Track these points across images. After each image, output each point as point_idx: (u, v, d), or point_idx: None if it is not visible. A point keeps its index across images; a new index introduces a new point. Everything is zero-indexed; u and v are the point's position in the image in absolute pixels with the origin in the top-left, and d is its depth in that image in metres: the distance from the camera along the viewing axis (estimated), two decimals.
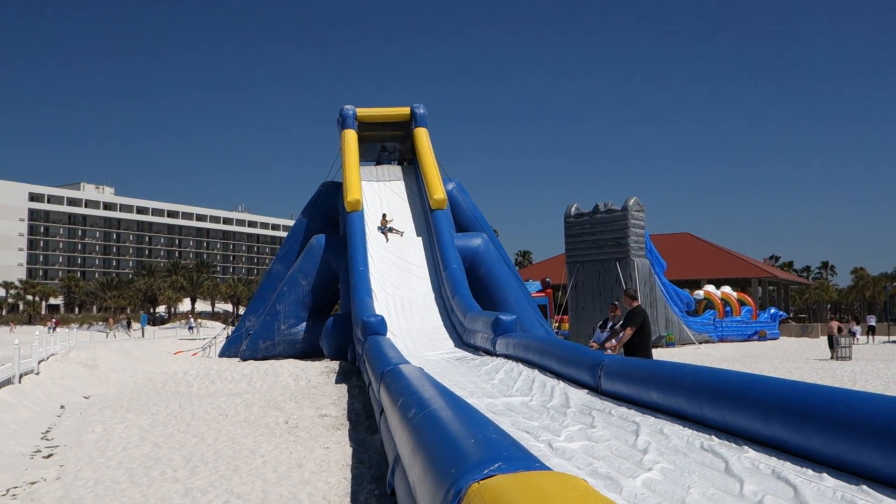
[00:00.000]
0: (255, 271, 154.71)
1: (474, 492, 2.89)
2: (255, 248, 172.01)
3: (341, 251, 22.51)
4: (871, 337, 41.54)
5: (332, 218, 25.51)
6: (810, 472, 5.21)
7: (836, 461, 5.27)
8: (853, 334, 31.10)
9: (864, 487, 4.71)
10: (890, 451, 4.78)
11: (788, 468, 5.34)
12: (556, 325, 36.78)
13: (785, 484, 4.97)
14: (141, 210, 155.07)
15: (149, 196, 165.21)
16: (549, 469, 3.17)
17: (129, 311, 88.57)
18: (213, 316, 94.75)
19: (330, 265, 23.01)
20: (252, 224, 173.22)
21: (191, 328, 59.52)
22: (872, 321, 44.80)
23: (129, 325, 63.23)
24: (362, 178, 24.67)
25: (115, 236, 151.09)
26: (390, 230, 23.27)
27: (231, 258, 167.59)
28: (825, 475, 5.07)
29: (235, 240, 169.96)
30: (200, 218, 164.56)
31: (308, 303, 23.17)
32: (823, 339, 33.51)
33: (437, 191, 23.22)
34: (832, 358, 25.13)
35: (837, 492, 4.69)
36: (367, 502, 6.48)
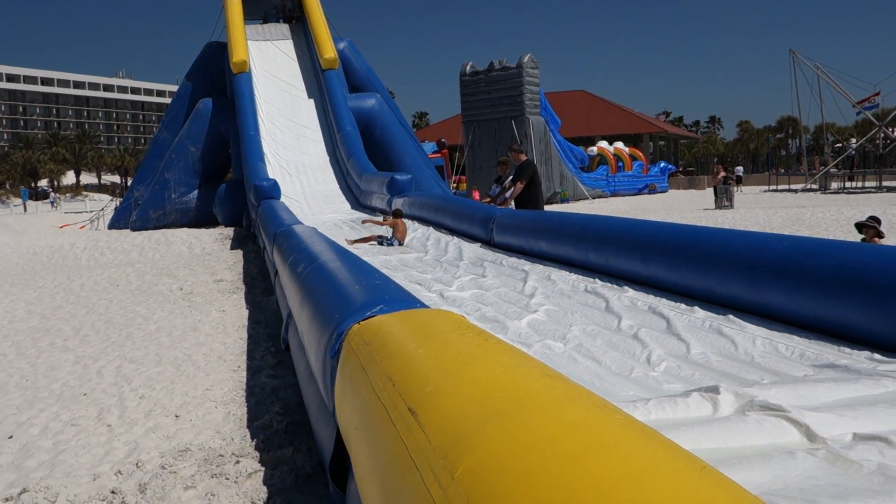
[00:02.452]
0: (143, 140, 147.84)
1: (354, 332, 2.94)
2: (141, 117, 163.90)
3: (230, 115, 21.70)
4: (738, 186, 43.48)
5: (219, 81, 24.39)
6: (683, 306, 5.53)
7: (706, 295, 5.60)
8: (740, 180, 32.61)
9: (731, 316, 5.04)
10: (754, 282, 5.10)
11: (664, 304, 5.65)
12: (454, 185, 37.03)
13: (659, 317, 5.27)
14: (11, 78, 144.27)
15: (20, 63, 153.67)
16: (428, 307, 3.25)
17: (7, 186, 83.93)
18: (101, 188, 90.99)
19: (219, 130, 22.23)
20: (135, 91, 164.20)
21: (52, 203, 56.26)
22: (740, 172, 46.79)
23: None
24: (248, 37, 23.50)
25: None
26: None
27: (115, 127, 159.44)
28: (696, 308, 5.40)
29: (119, 108, 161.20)
30: (78, 85, 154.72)
31: (199, 170, 22.48)
32: (710, 191, 34.93)
33: (328, 50, 22.43)
34: (716, 207, 26.36)
35: (706, 321, 5.01)
36: (262, 359, 6.54)
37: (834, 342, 4.36)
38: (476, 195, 31.38)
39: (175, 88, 33.09)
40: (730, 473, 2.20)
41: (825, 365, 3.98)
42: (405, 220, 12.86)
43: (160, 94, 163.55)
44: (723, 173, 28.37)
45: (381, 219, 13.04)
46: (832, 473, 2.30)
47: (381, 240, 11.11)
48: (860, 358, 4.06)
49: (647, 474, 1.24)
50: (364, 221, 13.08)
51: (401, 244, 10.92)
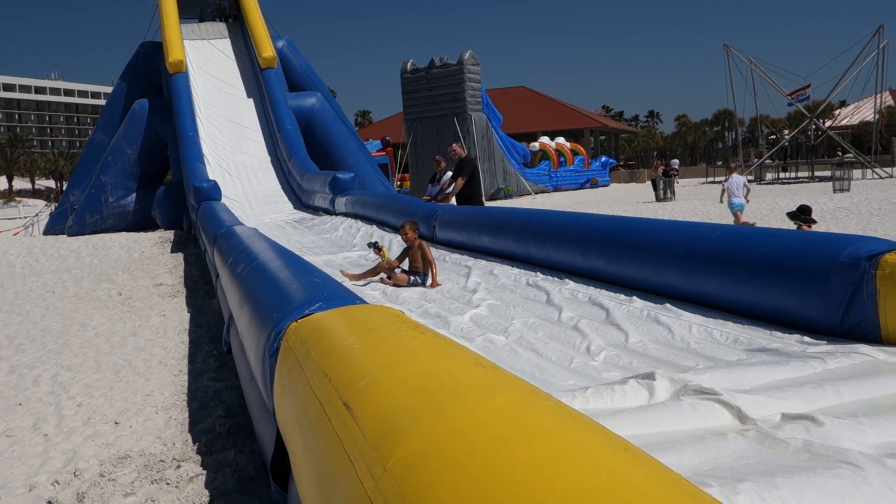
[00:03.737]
0: (78, 144, 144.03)
1: (293, 330, 2.92)
2: (76, 119, 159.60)
3: (168, 116, 21.26)
4: (675, 179, 44.22)
5: (155, 81, 23.87)
6: (622, 296, 5.63)
7: (645, 285, 5.71)
8: (675, 171, 33.27)
9: (668, 305, 5.15)
10: (689, 271, 5.22)
11: (604, 294, 5.74)
12: (398, 183, 36.96)
13: (599, 308, 5.35)
14: None
15: None
16: (367, 303, 3.25)
17: None
18: (34, 193, 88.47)
19: (156, 132, 21.78)
20: (69, 92, 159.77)
21: None
22: (676, 164, 47.70)
23: None
24: (184, 36, 23.07)
25: None
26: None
27: (49, 131, 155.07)
28: (635, 298, 5.49)
29: (51, 110, 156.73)
30: (8, 87, 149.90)
31: (136, 172, 21.98)
32: (650, 184, 35.50)
33: (266, 48, 22.15)
34: (657, 200, 26.84)
35: (644, 311, 5.10)
36: (204, 362, 6.46)
37: (766, 327, 4.49)
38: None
39: (110, 90, 32.29)
40: (663, 456, 2.26)
41: (757, 349, 4.09)
42: (347, 218, 12.59)
43: (95, 95, 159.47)
44: (661, 167, 28.98)
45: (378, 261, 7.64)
46: (761, 452, 2.37)
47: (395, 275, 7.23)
48: (791, 341, 4.18)
49: (572, 456, 1.27)
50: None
51: (422, 279, 7.06)
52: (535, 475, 1.22)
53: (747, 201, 14.77)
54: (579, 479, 1.20)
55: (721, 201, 16.01)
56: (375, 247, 7.79)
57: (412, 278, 7.10)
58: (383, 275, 7.35)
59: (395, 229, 11.34)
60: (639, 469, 1.26)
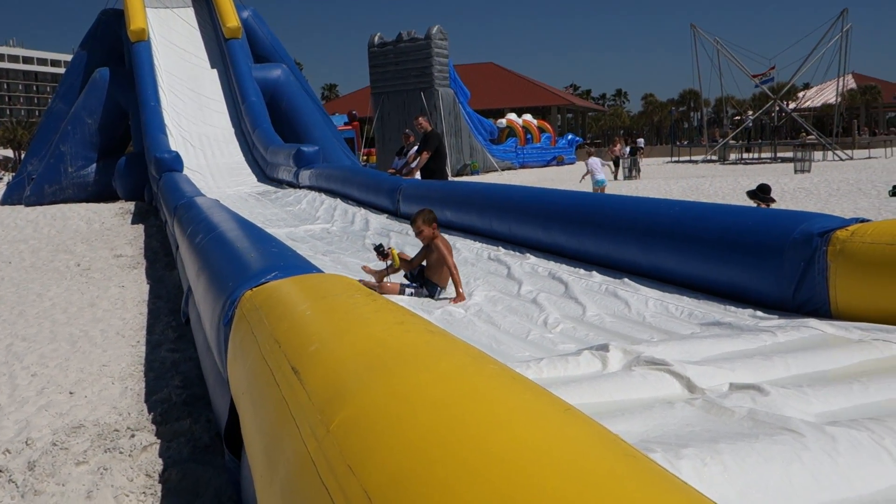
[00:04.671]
0: (37, 112, 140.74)
1: (247, 298, 2.91)
2: (35, 88, 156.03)
3: (129, 86, 20.86)
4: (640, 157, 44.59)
5: (116, 50, 23.37)
6: (582, 271, 5.68)
7: (605, 260, 5.77)
8: (640, 150, 33.55)
9: (626, 280, 5.21)
10: (648, 246, 5.28)
11: (564, 269, 5.79)
12: (364, 158, 36.74)
13: (558, 282, 5.40)
14: None
15: None
16: (322, 272, 3.25)
17: None
18: None
19: (118, 101, 21.37)
20: (28, 60, 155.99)
21: None
22: (641, 143, 48.01)
23: None
24: (146, 4, 22.61)
25: None
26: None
27: (7, 99, 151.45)
28: (595, 273, 5.55)
29: (9, 78, 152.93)
30: None
31: (97, 142, 21.57)
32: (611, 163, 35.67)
33: (231, 18, 21.80)
34: (615, 178, 27.02)
35: (603, 285, 5.15)
36: (163, 333, 6.40)
37: (721, 302, 4.56)
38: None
39: (70, 58, 31.56)
40: (612, 424, 2.29)
41: (711, 323, 4.16)
42: (311, 191, 12.48)
43: (55, 63, 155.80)
44: (619, 146, 29.30)
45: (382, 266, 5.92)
46: (707, 420, 2.42)
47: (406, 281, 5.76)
48: (744, 315, 4.26)
49: (512, 417, 1.28)
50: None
51: (431, 290, 5.53)
52: (474, 435, 1.23)
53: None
54: (518, 438, 1.21)
55: (581, 181, 19.50)
56: (381, 252, 5.76)
57: (409, 290, 5.53)
58: (372, 278, 5.81)
59: (359, 203, 11.28)
60: (577, 429, 1.27)
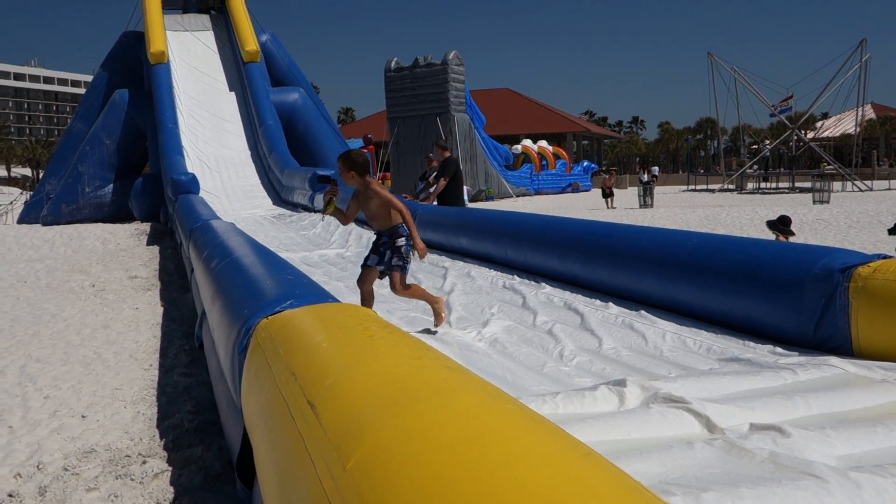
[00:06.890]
0: (56, 132, 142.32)
1: (262, 326, 2.89)
2: (55, 108, 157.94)
3: (148, 107, 21.09)
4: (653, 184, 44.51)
5: (136, 72, 23.67)
6: (598, 301, 5.64)
7: (620, 291, 5.72)
8: (655, 178, 33.47)
9: (643, 312, 5.16)
10: (664, 279, 5.23)
11: (579, 300, 5.75)
12: (379, 181, 36.82)
13: (574, 313, 5.35)
14: None
15: None
16: (339, 301, 3.23)
17: None
18: (10, 181, 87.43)
19: (136, 122, 21.59)
20: (49, 80, 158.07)
21: None
22: (656, 171, 47.95)
23: None
24: (167, 27, 22.91)
25: None
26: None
27: (27, 118, 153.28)
28: (611, 304, 5.50)
29: (30, 98, 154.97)
30: None
31: (114, 163, 21.78)
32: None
33: (250, 42, 22.04)
34: (608, 207, 26.77)
35: (619, 317, 5.10)
36: (176, 357, 6.39)
37: (740, 337, 4.50)
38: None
39: (90, 78, 31.94)
40: (629, 463, 2.25)
41: (730, 359, 4.10)
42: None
43: (75, 84, 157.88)
44: (614, 178, 29.27)
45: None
46: (727, 462, 2.37)
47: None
48: (763, 352, 4.20)
49: (529, 459, 1.26)
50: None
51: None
52: (491, 475, 1.21)
53: None
54: (535, 480, 1.19)
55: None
56: (327, 181, 5.32)
57: (381, 267, 4.96)
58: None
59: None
60: (596, 474, 1.24)
